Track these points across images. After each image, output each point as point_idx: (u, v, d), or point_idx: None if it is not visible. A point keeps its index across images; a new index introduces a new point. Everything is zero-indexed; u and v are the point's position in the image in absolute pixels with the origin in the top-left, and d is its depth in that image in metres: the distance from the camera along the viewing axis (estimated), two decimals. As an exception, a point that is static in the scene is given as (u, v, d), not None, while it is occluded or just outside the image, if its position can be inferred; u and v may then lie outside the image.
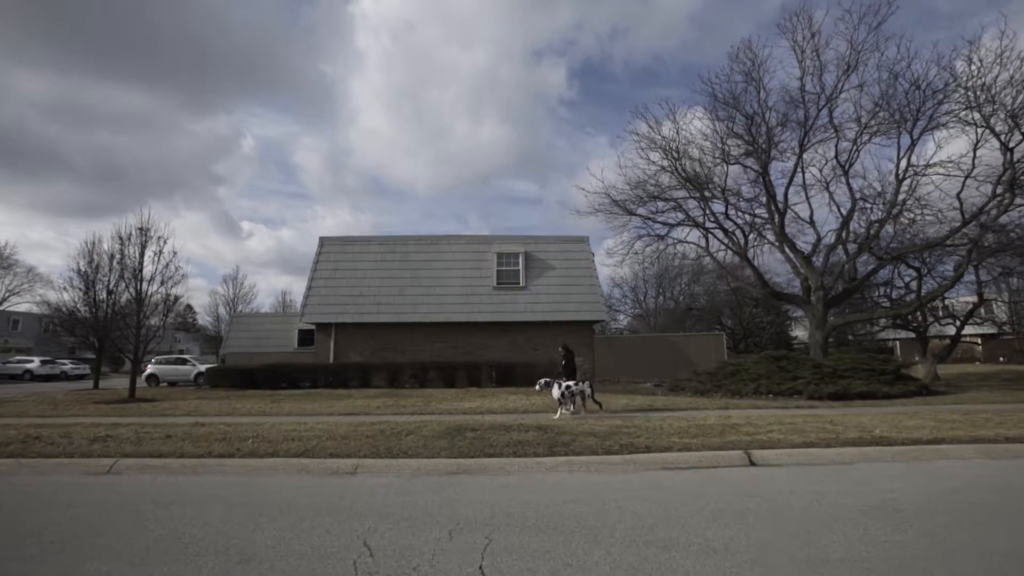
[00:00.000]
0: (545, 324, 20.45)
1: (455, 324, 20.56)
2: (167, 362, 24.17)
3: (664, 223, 18.55)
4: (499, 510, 4.26)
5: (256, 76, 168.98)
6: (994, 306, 27.65)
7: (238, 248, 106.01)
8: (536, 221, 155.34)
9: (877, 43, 15.06)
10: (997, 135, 14.23)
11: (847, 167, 16.31)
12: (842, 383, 12.76)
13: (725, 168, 17.53)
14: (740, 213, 17.98)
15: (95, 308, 16.99)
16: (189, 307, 61.13)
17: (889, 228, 16.74)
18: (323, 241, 22.89)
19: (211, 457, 6.23)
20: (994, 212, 14.85)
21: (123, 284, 15.95)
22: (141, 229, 15.55)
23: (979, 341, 32.26)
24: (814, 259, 17.46)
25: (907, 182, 15.69)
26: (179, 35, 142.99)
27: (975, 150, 14.67)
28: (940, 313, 22.93)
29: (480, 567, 3.10)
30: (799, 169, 16.80)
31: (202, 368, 23.15)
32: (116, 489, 5.18)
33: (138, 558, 3.31)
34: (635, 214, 18.42)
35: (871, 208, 16.66)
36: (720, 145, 17.22)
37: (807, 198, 17.20)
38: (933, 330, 23.75)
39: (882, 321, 24.50)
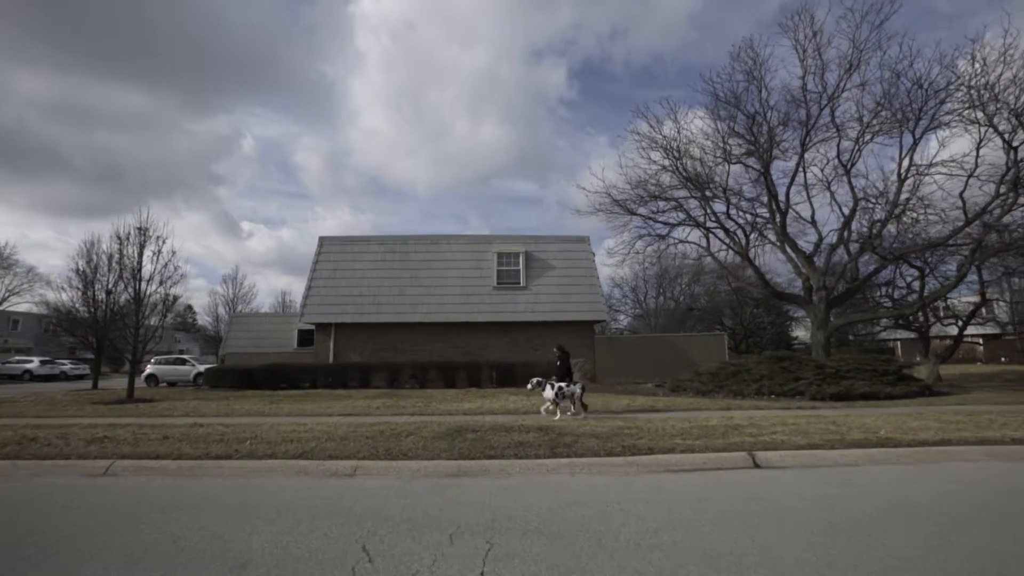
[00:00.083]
0: (545, 324, 20.40)
1: (455, 324, 20.51)
2: (166, 362, 24.12)
3: (665, 223, 18.51)
4: (500, 513, 4.20)
5: (256, 76, 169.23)
6: (996, 306, 27.58)
7: (238, 248, 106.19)
8: (536, 221, 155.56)
9: (879, 42, 15.01)
10: (1000, 134, 14.17)
11: (849, 166, 16.25)
12: (845, 384, 12.72)
13: (726, 167, 17.48)
14: (741, 213, 17.94)
15: (94, 308, 16.97)
16: (189, 307, 61.20)
17: (891, 228, 16.68)
18: (323, 241, 22.84)
19: (209, 458, 6.17)
20: (997, 212, 14.81)
21: (122, 284, 15.94)
22: (140, 229, 15.49)
23: (981, 341, 32.16)
24: (816, 259, 17.40)
25: (909, 181, 15.66)
26: (179, 35, 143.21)
27: (978, 149, 14.62)
28: (942, 313, 22.86)
29: (482, 573, 3.04)
30: (801, 168, 16.76)
31: (201, 368, 23.11)
32: (113, 491, 5.12)
33: (134, 562, 3.26)
34: (636, 214, 18.35)
35: (873, 208, 16.61)
36: (721, 144, 17.18)
37: (809, 198, 17.17)
38: (935, 330, 23.68)
39: (883, 321, 24.43)
